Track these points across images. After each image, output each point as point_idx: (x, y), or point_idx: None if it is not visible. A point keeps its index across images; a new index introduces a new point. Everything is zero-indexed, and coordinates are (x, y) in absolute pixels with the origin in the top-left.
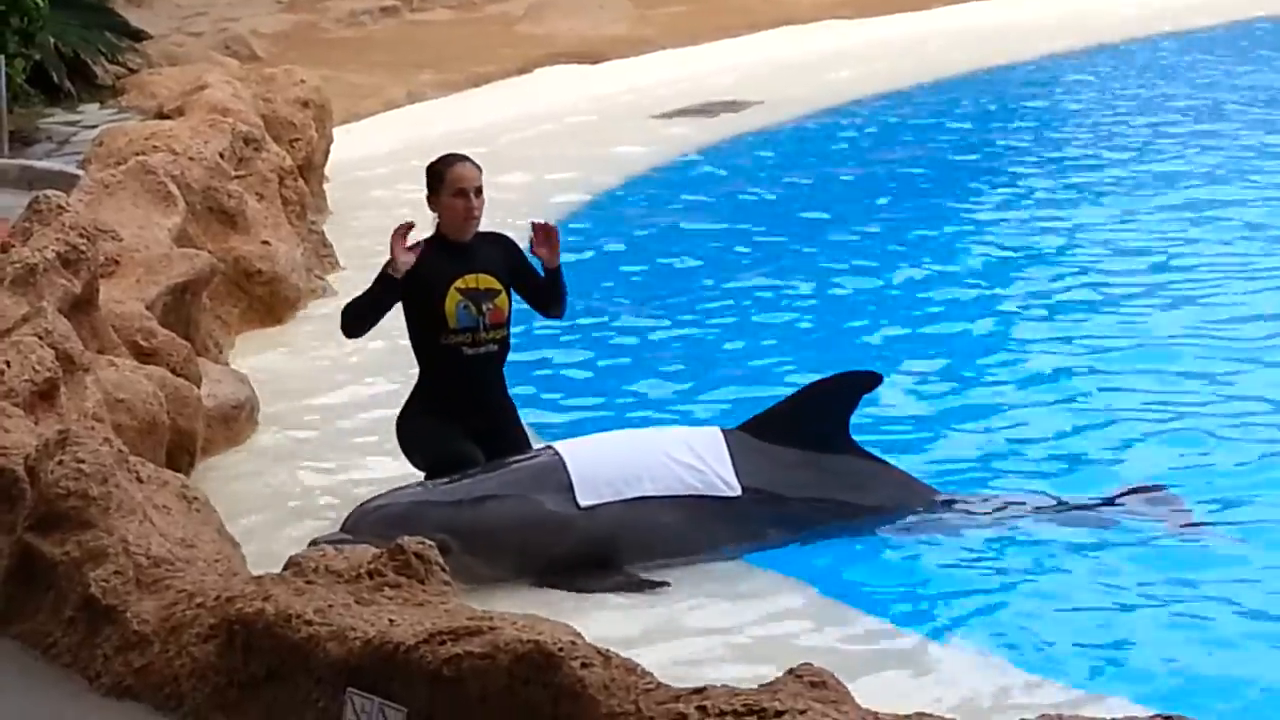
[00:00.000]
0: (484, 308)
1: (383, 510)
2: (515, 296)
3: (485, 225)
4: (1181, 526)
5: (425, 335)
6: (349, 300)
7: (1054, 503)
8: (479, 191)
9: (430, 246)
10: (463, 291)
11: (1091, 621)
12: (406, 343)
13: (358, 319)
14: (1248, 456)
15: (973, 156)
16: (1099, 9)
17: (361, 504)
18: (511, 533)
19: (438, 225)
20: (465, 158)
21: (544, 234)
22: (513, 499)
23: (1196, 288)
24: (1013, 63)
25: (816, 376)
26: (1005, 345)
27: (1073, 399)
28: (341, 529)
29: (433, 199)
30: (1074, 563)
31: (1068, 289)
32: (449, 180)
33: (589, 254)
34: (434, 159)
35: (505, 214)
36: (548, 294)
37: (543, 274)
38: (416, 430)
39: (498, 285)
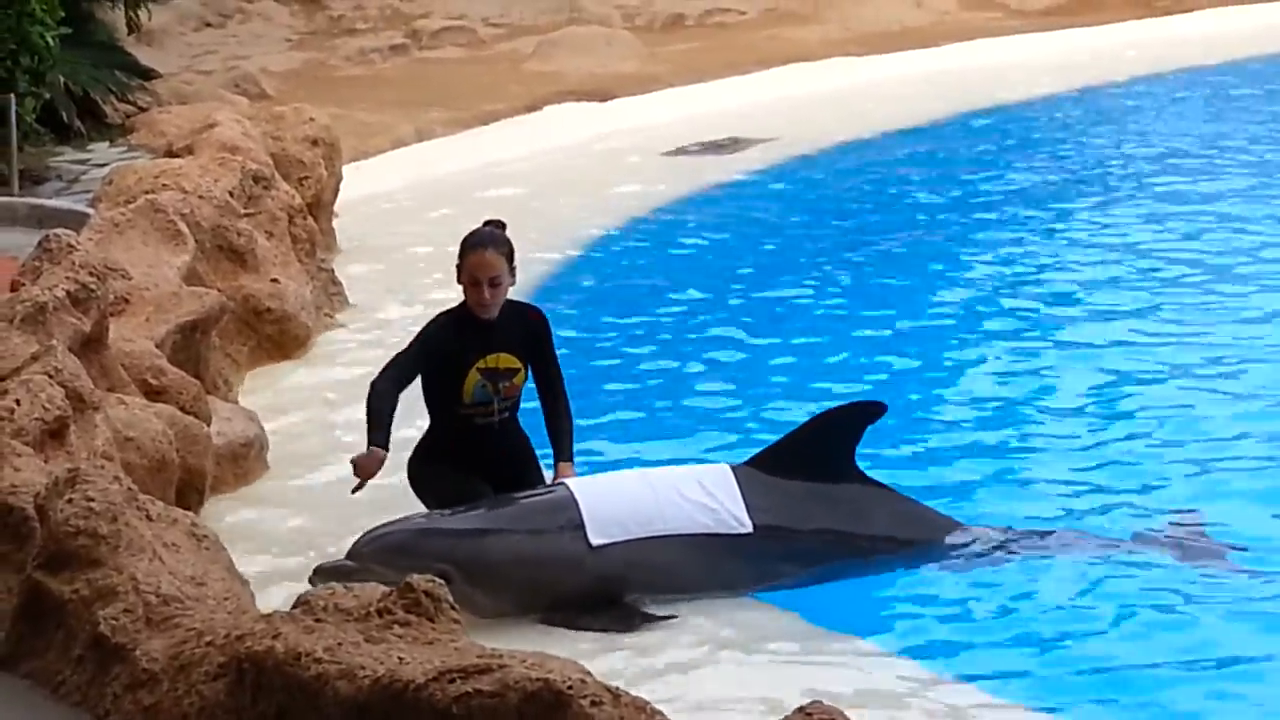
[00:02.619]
0: (500, 385)
1: (386, 538)
2: None
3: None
4: (1208, 563)
5: (440, 403)
6: (388, 373)
7: (1072, 536)
8: (495, 280)
9: (456, 321)
10: (483, 371)
11: (1111, 661)
12: (418, 386)
13: (372, 405)
14: (1273, 492)
15: (983, 192)
16: (1109, 47)
17: (366, 532)
18: (517, 568)
19: (464, 300)
20: (489, 243)
21: None
22: (520, 534)
23: (1214, 321)
24: (1024, 99)
25: (823, 408)
26: (1018, 376)
27: (1090, 430)
28: (345, 557)
29: (459, 271)
30: (1094, 599)
31: (1081, 322)
32: (466, 267)
33: (599, 291)
34: (469, 232)
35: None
36: (556, 408)
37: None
38: (427, 470)
39: (517, 364)
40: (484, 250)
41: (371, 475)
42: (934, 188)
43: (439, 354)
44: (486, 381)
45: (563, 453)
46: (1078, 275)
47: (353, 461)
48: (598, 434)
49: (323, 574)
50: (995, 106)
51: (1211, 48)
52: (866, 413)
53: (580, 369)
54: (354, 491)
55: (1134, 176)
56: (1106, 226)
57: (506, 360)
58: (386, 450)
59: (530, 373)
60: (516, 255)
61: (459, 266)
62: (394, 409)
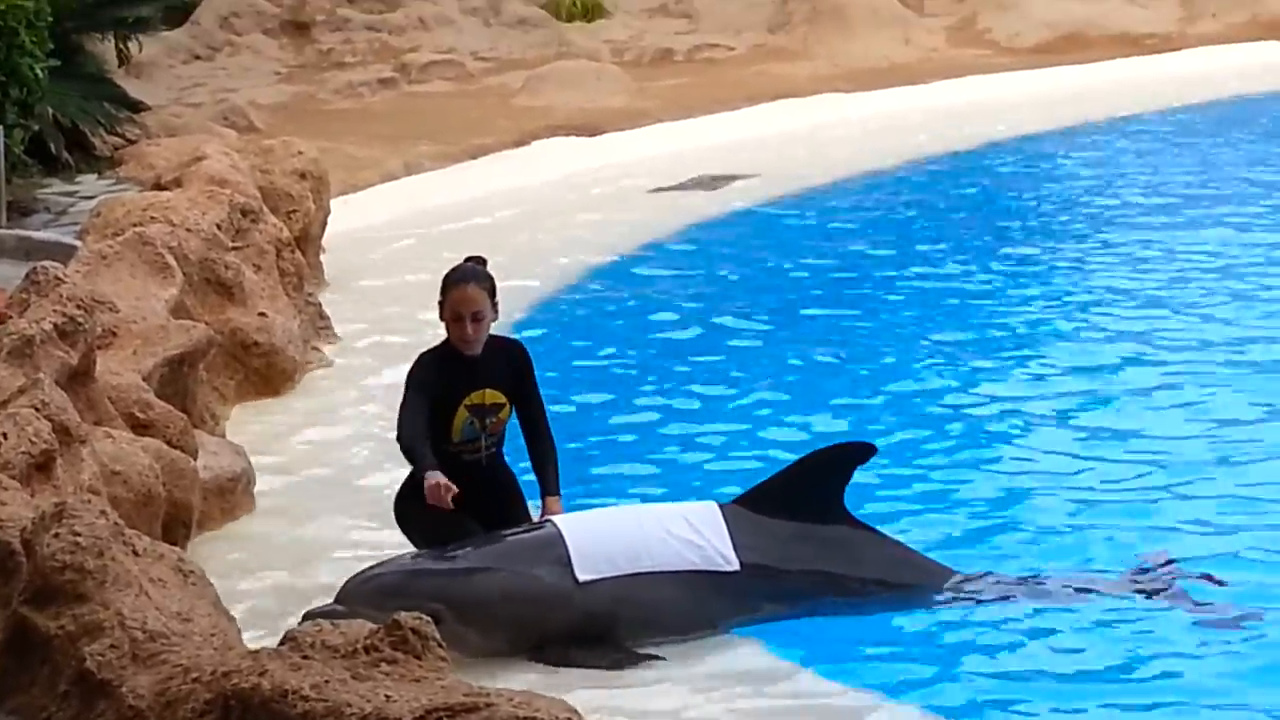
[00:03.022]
0: (487, 421)
1: (375, 580)
2: None
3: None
4: (1196, 608)
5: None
6: (416, 428)
7: (1061, 582)
8: (477, 315)
9: (440, 359)
10: (470, 408)
11: (1100, 704)
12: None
13: (413, 454)
14: (1268, 537)
15: (972, 230)
16: (1097, 85)
17: (354, 574)
18: (506, 605)
19: (447, 338)
20: (470, 278)
21: None
22: (509, 572)
23: (1203, 362)
24: (1012, 136)
25: (811, 449)
26: (1006, 419)
27: (1079, 474)
28: (335, 600)
29: (441, 307)
30: (1081, 643)
31: (1068, 363)
32: (448, 303)
33: (584, 326)
34: (451, 268)
35: (500, 286)
36: (539, 440)
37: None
38: (415, 508)
39: (503, 399)
40: (466, 285)
41: (445, 484)
42: (922, 225)
43: (428, 390)
44: (474, 418)
45: (549, 486)
46: (1066, 315)
47: (427, 489)
48: (581, 470)
49: (311, 619)
50: (983, 144)
51: (1200, 86)
52: (855, 454)
53: (563, 404)
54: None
55: (1122, 215)
56: (1094, 266)
57: (492, 396)
58: (439, 468)
59: (513, 407)
60: (501, 289)
61: (441, 303)
62: (428, 442)
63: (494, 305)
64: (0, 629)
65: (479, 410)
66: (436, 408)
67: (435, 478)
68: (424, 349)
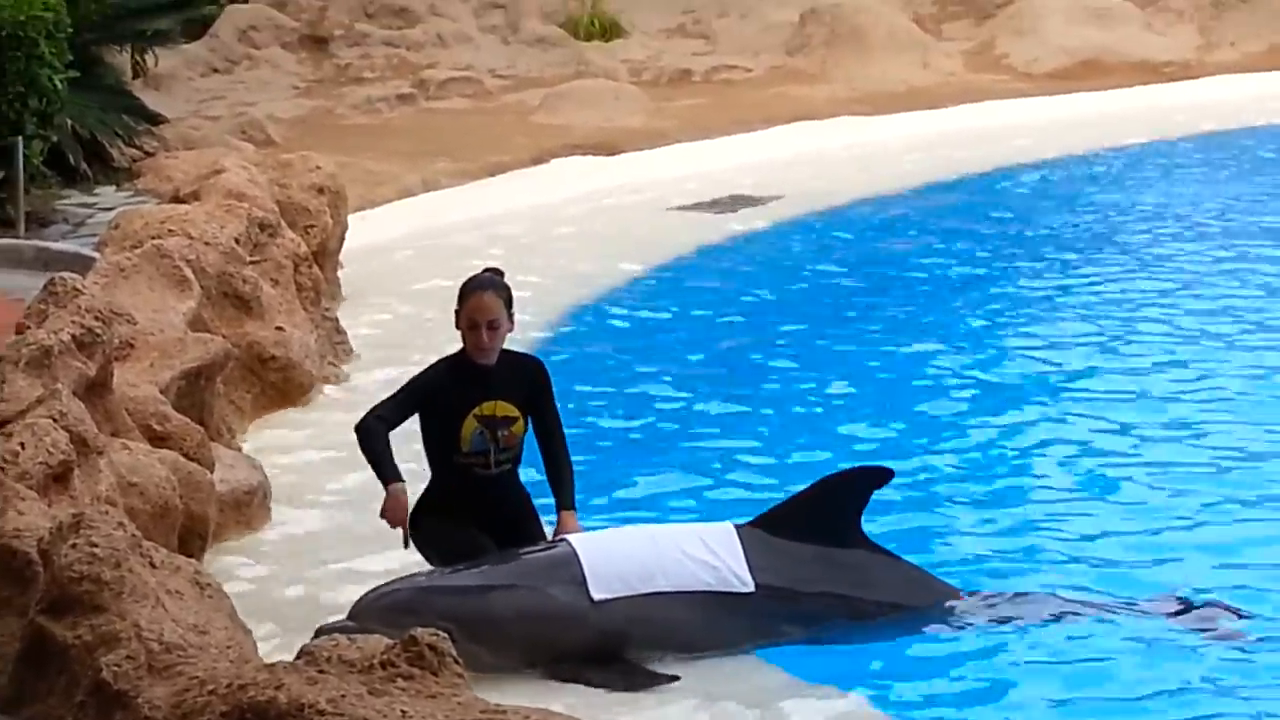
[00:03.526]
0: (499, 434)
1: (388, 598)
2: None
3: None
4: (1227, 634)
5: (438, 452)
6: (379, 411)
7: (1080, 603)
8: (493, 324)
9: (453, 367)
10: (480, 419)
11: None
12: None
13: (364, 447)
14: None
15: (987, 253)
16: (1115, 111)
17: (368, 591)
18: (520, 624)
19: (463, 347)
20: (487, 286)
21: None
22: (523, 590)
23: (1223, 387)
24: (1029, 162)
25: (829, 471)
26: (1022, 441)
27: (1094, 497)
28: (347, 616)
29: (457, 316)
30: (1101, 666)
31: (1085, 387)
32: (465, 311)
33: (600, 345)
34: (468, 278)
35: (516, 306)
36: (556, 457)
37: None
38: (430, 526)
39: (515, 413)
40: (483, 293)
41: (405, 513)
42: (937, 248)
43: (435, 399)
44: (484, 429)
45: (564, 501)
46: (1081, 339)
47: (382, 512)
48: (597, 488)
49: (325, 634)
50: (1000, 168)
51: (1218, 115)
52: (873, 478)
53: (579, 424)
54: (405, 546)
55: (1138, 242)
56: (1110, 292)
57: (504, 409)
58: (403, 481)
59: (529, 424)
60: (518, 307)
61: (457, 312)
62: (389, 443)
63: (510, 316)
64: (17, 638)
65: (489, 422)
66: (446, 415)
67: (389, 502)
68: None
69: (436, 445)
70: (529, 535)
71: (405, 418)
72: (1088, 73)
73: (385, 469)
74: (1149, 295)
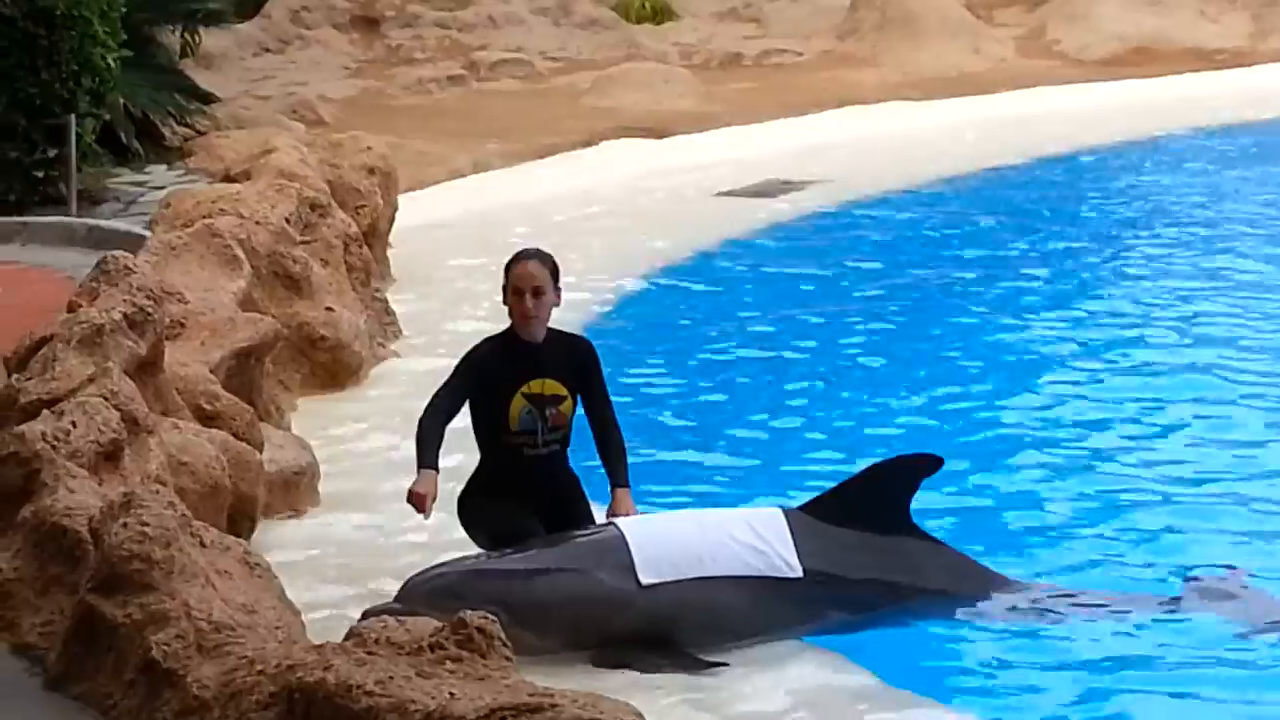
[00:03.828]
0: (547, 413)
1: (435, 581)
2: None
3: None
4: (1268, 622)
5: (486, 431)
6: (438, 412)
7: (1122, 593)
8: (538, 291)
9: (502, 345)
10: (528, 397)
11: (1150, 712)
12: (468, 425)
13: (420, 435)
14: None
15: (1035, 240)
16: (1167, 99)
17: (415, 574)
18: (567, 608)
19: (511, 324)
20: (533, 255)
21: None
22: (570, 574)
23: (1275, 374)
24: (1080, 148)
25: (877, 458)
26: (1074, 432)
27: (1145, 487)
28: (395, 598)
29: (504, 292)
30: (1142, 655)
31: (1136, 374)
32: (510, 279)
33: (649, 329)
34: (515, 252)
35: (564, 289)
36: (608, 437)
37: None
38: (478, 507)
39: (564, 391)
40: (528, 261)
41: (430, 496)
42: (987, 236)
43: (483, 376)
44: (532, 407)
45: (618, 479)
46: (1131, 327)
47: (409, 493)
48: (645, 474)
49: (374, 616)
50: (1049, 155)
51: (1270, 102)
52: (923, 465)
53: (627, 408)
54: (427, 518)
55: (1188, 230)
56: (1160, 279)
57: (553, 387)
58: (437, 470)
59: (580, 404)
60: (565, 288)
61: (504, 286)
62: (441, 438)
63: (557, 289)
64: (68, 616)
65: (538, 400)
66: (493, 393)
67: (416, 484)
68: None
69: (485, 424)
70: (577, 517)
71: (463, 398)
72: (1139, 59)
73: (424, 455)
74: (1198, 282)
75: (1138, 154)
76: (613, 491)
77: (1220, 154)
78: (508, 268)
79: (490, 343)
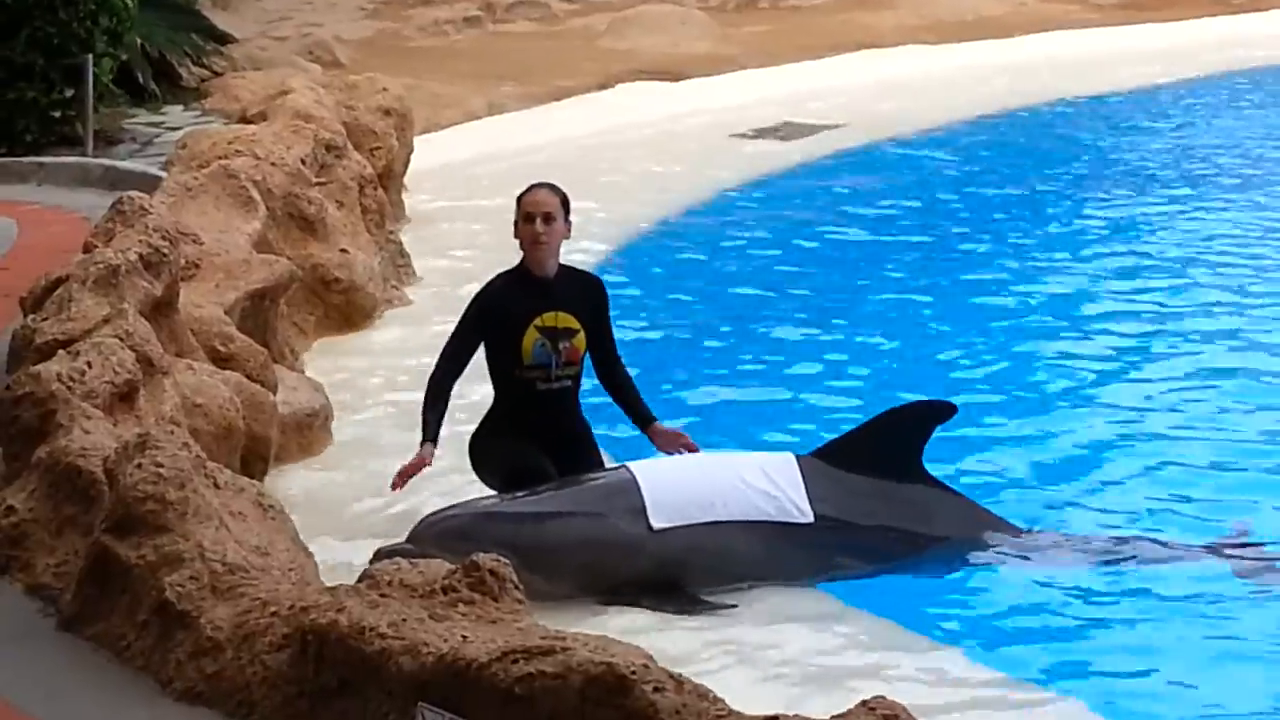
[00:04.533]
0: (560, 346)
1: (446, 523)
2: None
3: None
4: (1266, 574)
5: (500, 366)
6: (445, 375)
7: (1129, 541)
8: (549, 218)
9: (513, 280)
10: (541, 329)
11: (1156, 660)
12: (484, 361)
13: (426, 401)
14: None
15: (1053, 186)
16: (1185, 43)
17: (426, 515)
18: (578, 551)
19: (522, 256)
20: (546, 185)
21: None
22: (582, 517)
23: None
24: (1098, 93)
25: (891, 404)
26: (1089, 378)
27: (1161, 440)
28: (406, 540)
29: (516, 226)
30: (1151, 600)
31: (1151, 321)
32: (521, 205)
33: (664, 272)
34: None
35: (578, 231)
36: (618, 377)
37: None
38: (488, 448)
39: (576, 325)
40: (539, 190)
41: (410, 475)
42: (1003, 180)
43: (496, 310)
44: (545, 340)
45: (647, 414)
46: (1148, 272)
47: (407, 469)
48: (656, 415)
49: (384, 557)
50: (1067, 99)
51: None
52: (936, 413)
53: (639, 352)
54: (394, 490)
55: (1205, 174)
56: (1178, 223)
57: (565, 320)
58: (435, 446)
59: (589, 343)
60: (581, 231)
61: (516, 222)
62: (447, 399)
63: (567, 222)
64: (82, 557)
65: (551, 333)
66: (506, 326)
67: (408, 463)
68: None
69: (498, 359)
70: (588, 462)
71: (477, 340)
72: (1157, 3)
73: (425, 426)
74: (1217, 226)
75: (1157, 98)
76: (650, 429)
77: (1238, 99)
78: (519, 198)
79: (501, 278)
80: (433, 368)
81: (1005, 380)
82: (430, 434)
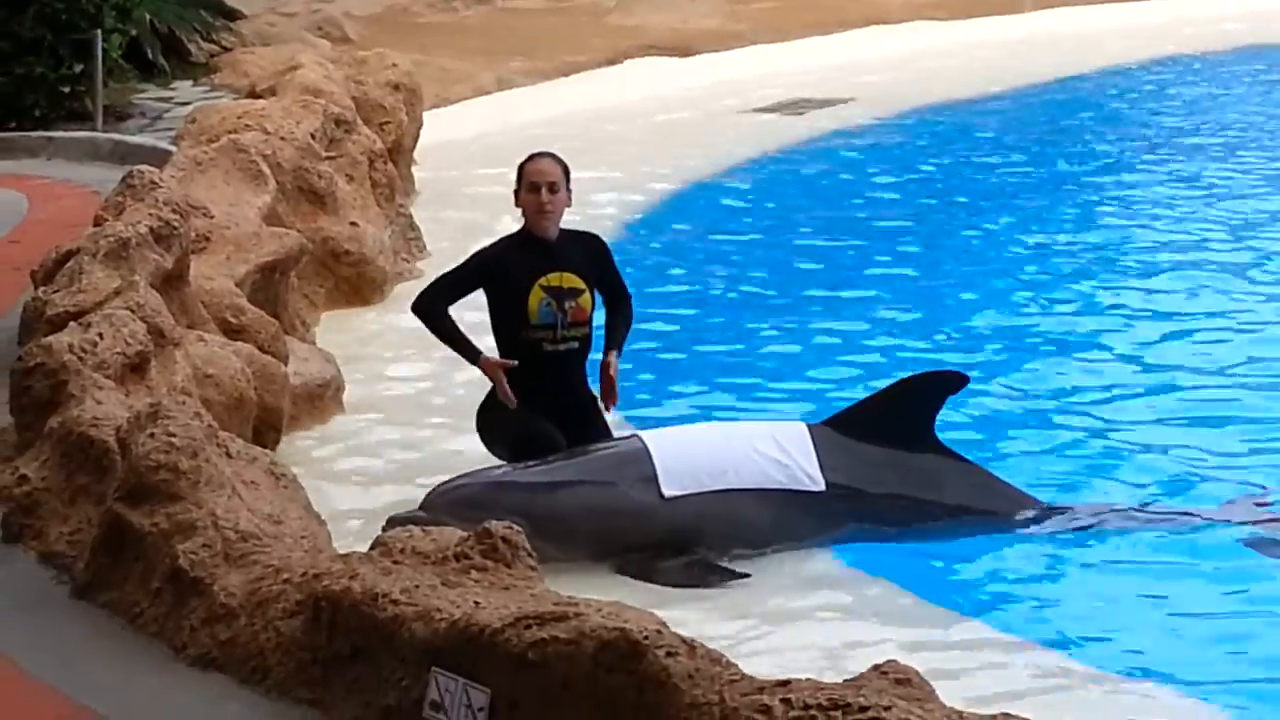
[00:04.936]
0: (566, 306)
1: (458, 491)
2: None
3: (573, 221)
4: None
5: (507, 329)
6: (438, 286)
7: (1144, 511)
8: (553, 187)
9: (516, 242)
10: (546, 289)
11: (1168, 626)
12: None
13: (430, 324)
14: None
15: (1062, 160)
16: (1202, 17)
17: (439, 484)
18: (590, 519)
19: (524, 223)
20: (547, 154)
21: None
22: (594, 485)
23: None
24: (1110, 66)
25: (903, 375)
26: (1099, 349)
27: (1174, 406)
28: (419, 508)
29: (516, 195)
30: (1163, 571)
31: (1166, 294)
32: (525, 175)
33: (672, 246)
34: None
35: (588, 207)
36: (620, 309)
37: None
38: (496, 419)
39: (581, 285)
40: (542, 159)
41: (502, 369)
42: (1013, 155)
43: (496, 270)
44: (551, 300)
45: (614, 343)
46: (1163, 246)
47: (490, 371)
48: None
49: (396, 524)
50: (1075, 74)
51: None
52: (948, 382)
53: (648, 322)
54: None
55: (1220, 148)
56: (1192, 197)
57: (570, 280)
58: (483, 353)
59: (598, 298)
60: (591, 206)
61: (516, 188)
62: (455, 323)
63: (568, 190)
64: (95, 525)
65: (556, 293)
66: (511, 286)
67: (487, 366)
68: None
69: (504, 322)
70: (595, 431)
71: (463, 293)
72: None
73: (466, 348)
74: (1233, 200)
75: (1170, 71)
76: (604, 361)
77: (1257, 73)
78: (521, 167)
79: (504, 240)
80: (418, 296)
81: (1016, 350)
82: (472, 350)
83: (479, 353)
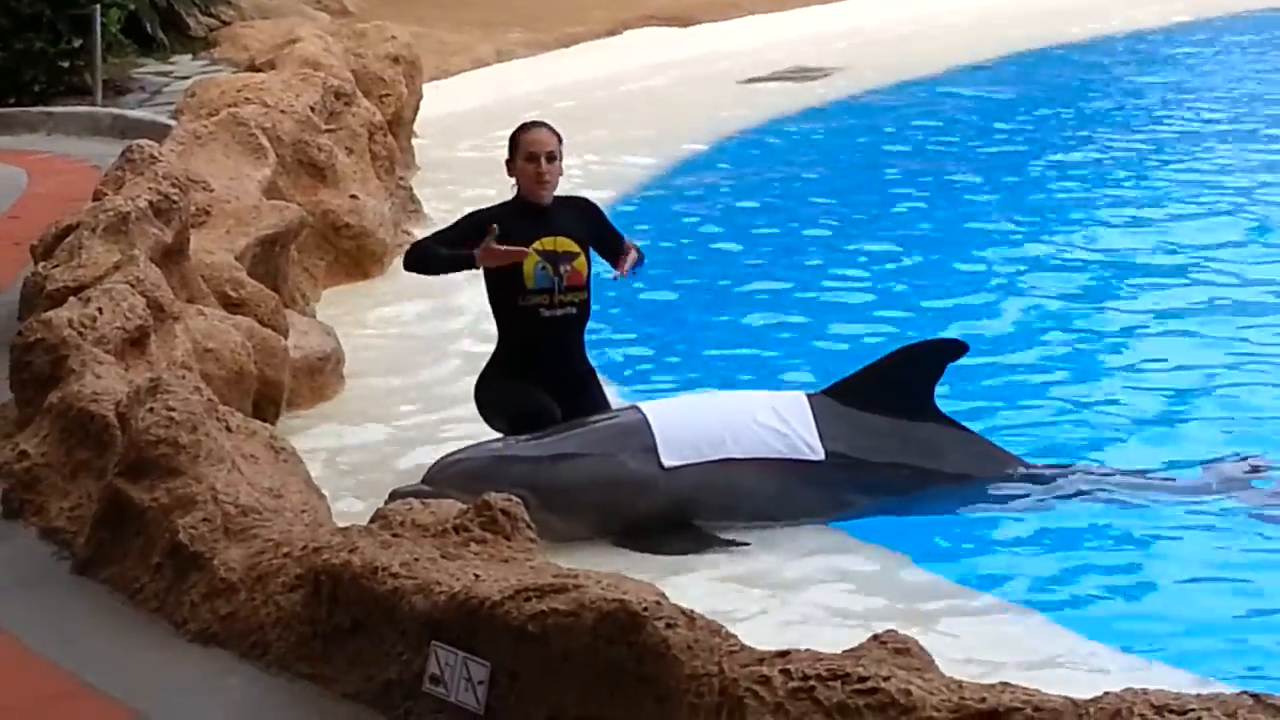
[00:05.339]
0: (561, 269)
1: (462, 464)
2: (596, 259)
3: (567, 187)
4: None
5: (503, 296)
6: (425, 239)
7: (1141, 477)
8: (551, 156)
9: (510, 209)
10: (541, 253)
11: (1168, 595)
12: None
13: (423, 266)
14: None
15: (1054, 129)
16: None
17: (442, 457)
18: (592, 491)
19: (516, 191)
20: (542, 124)
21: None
22: (595, 457)
23: None
24: (1101, 35)
25: (901, 343)
26: (1093, 317)
27: (1166, 374)
28: (421, 481)
29: (510, 164)
30: (1161, 539)
31: (1155, 262)
32: (522, 145)
33: (674, 215)
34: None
35: (588, 177)
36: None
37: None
38: (494, 391)
39: (576, 248)
40: (539, 129)
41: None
42: (1007, 123)
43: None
44: (546, 264)
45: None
46: (1153, 213)
47: (486, 257)
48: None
49: (399, 498)
50: (1072, 42)
51: None
52: (947, 350)
53: (648, 292)
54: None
55: (1214, 116)
56: (1182, 165)
57: (565, 244)
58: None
59: (594, 258)
60: (589, 175)
61: (510, 158)
62: (442, 249)
63: (561, 158)
64: (95, 501)
65: (551, 256)
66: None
67: (482, 249)
68: None
69: (500, 289)
70: (594, 402)
71: (452, 245)
72: None
73: (461, 258)
74: (1221, 167)
75: (1162, 41)
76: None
77: (1245, 42)
78: (515, 135)
79: (498, 206)
80: (408, 250)
81: (1015, 319)
82: (467, 254)
83: (472, 253)
